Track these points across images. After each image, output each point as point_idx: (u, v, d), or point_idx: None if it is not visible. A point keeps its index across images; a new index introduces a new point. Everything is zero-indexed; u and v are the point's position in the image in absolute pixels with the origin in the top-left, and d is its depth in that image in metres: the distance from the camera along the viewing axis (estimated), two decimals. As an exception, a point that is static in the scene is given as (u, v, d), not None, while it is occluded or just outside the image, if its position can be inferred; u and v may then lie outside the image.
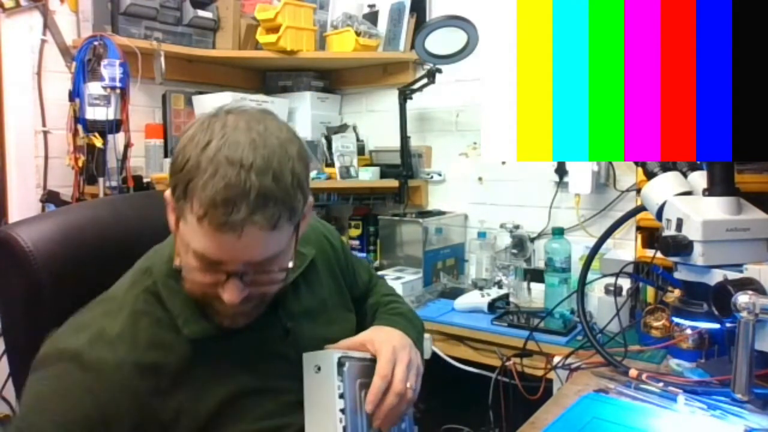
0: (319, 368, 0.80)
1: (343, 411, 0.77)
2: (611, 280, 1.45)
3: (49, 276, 0.85)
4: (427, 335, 1.72)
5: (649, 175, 1.13)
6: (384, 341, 0.85)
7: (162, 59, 1.99)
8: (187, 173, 0.68)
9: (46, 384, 0.70)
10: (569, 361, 1.27)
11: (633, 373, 1.12)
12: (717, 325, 1.02)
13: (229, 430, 0.76)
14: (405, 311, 1.05)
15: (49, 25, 1.96)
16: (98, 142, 1.79)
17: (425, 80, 2.11)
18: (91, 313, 0.77)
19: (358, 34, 2.23)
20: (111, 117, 1.79)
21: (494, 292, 1.81)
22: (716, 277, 0.98)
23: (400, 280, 1.89)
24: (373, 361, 0.83)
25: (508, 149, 1.01)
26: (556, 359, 1.31)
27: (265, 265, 0.73)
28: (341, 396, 0.78)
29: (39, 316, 0.85)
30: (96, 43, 1.80)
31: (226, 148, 0.67)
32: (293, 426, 0.81)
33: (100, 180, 1.84)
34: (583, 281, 1.32)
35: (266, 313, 0.81)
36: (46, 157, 1.97)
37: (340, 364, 0.79)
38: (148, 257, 0.84)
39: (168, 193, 0.74)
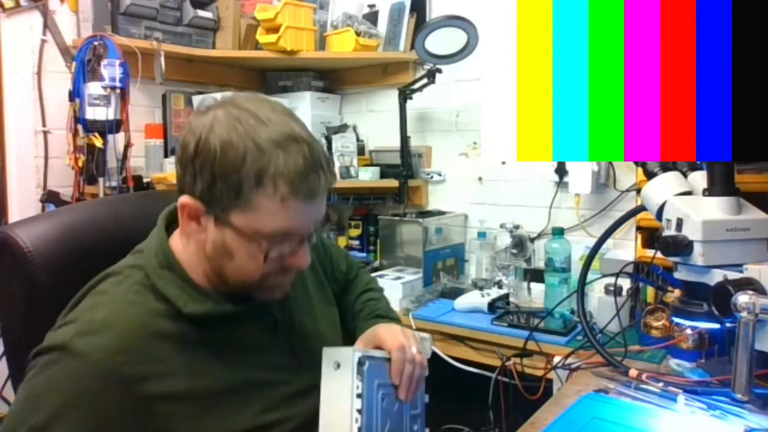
0: (338, 365, 0.79)
1: (359, 411, 0.77)
2: (611, 280, 1.45)
3: (48, 276, 0.85)
4: (426, 335, 1.71)
5: (649, 175, 1.13)
6: (389, 332, 0.90)
7: (162, 59, 1.99)
8: (253, 164, 0.70)
9: (36, 379, 0.70)
10: (569, 361, 1.27)
11: (633, 373, 1.12)
12: (717, 325, 1.02)
13: (227, 422, 0.76)
14: (384, 309, 1.08)
15: (49, 25, 1.96)
16: (98, 142, 1.79)
17: (425, 80, 2.11)
18: (79, 307, 0.76)
19: (358, 34, 2.23)
20: (111, 117, 1.79)
21: (494, 292, 1.81)
22: (716, 277, 0.98)
23: (400, 280, 1.89)
24: (389, 360, 0.85)
25: (508, 149, 1.01)
26: (556, 359, 1.31)
27: (318, 226, 0.80)
28: (359, 396, 0.77)
29: (38, 317, 0.85)
30: (96, 43, 1.81)
31: (276, 129, 0.72)
32: (294, 419, 0.82)
33: (100, 180, 1.84)
34: (583, 281, 1.32)
35: (256, 305, 0.83)
36: (46, 157, 1.97)
37: (360, 363, 0.79)
38: (135, 255, 0.84)
39: (189, 201, 0.75)
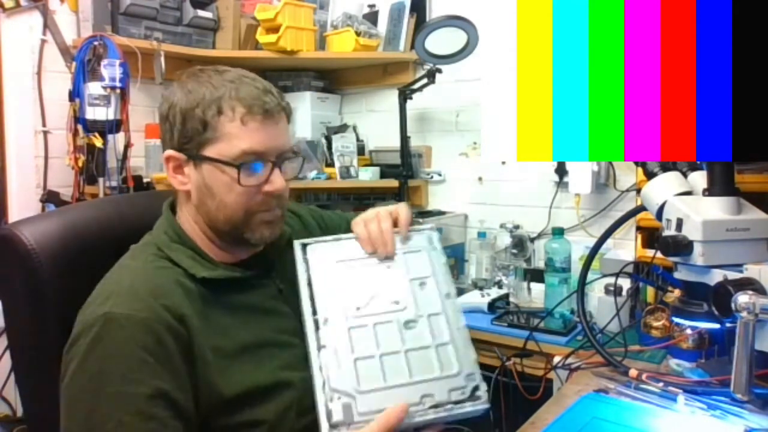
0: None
1: (311, 290, 0.85)
2: (611, 280, 1.45)
3: (51, 274, 0.86)
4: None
5: (649, 175, 1.13)
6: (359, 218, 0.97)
7: (162, 59, 1.99)
8: (213, 99, 0.82)
9: (89, 360, 0.73)
10: (569, 361, 1.27)
11: (633, 373, 1.12)
12: (717, 325, 1.02)
13: (249, 376, 0.81)
14: None
15: (49, 25, 1.97)
16: (98, 142, 1.79)
17: (425, 80, 2.11)
18: (104, 286, 0.81)
19: (358, 34, 2.23)
20: (111, 117, 1.79)
21: (494, 292, 1.81)
22: (716, 277, 0.98)
23: (400, 280, 1.88)
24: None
25: (508, 149, 1.01)
26: (556, 359, 1.31)
27: (290, 159, 0.89)
28: (309, 280, 0.86)
29: (41, 315, 0.86)
30: (96, 43, 1.81)
31: (230, 74, 0.85)
32: (302, 381, 0.85)
33: (100, 180, 1.84)
34: (583, 281, 1.32)
35: (261, 276, 0.91)
36: (46, 157, 1.97)
37: (303, 247, 0.90)
38: (143, 240, 0.90)
39: (171, 152, 0.86)
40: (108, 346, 0.73)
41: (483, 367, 1.60)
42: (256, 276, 0.91)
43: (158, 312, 0.76)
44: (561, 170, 2.00)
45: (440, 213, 2.23)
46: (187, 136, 0.84)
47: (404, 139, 2.19)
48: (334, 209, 1.28)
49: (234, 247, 0.91)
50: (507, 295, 1.83)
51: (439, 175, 2.32)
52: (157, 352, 0.74)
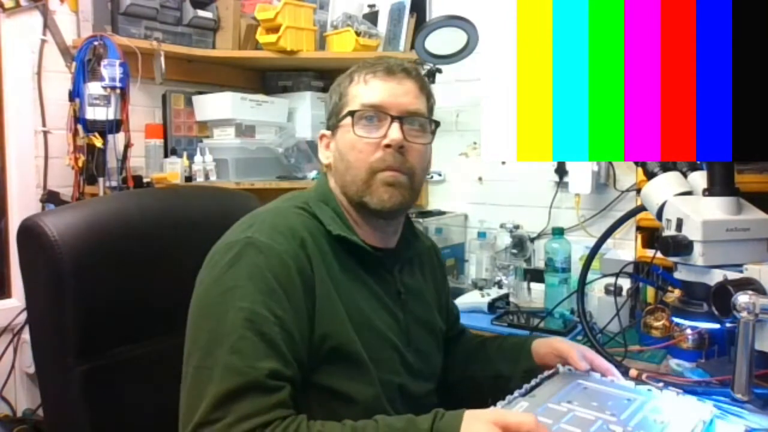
0: None
1: None
2: (611, 280, 1.45)
3: (72, 265, 0.89)
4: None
5: (649, 175, 1.13)
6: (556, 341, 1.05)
7: (162, 59, 1.99)
8: (348, 74, 0.97)
9: (227, 275, 0.79)
10: (569, 361, 1.27)
11: (633, 373, 1.12)
12: (717, 325, 1.02)
13: (356, 345, 0.85)
14: None
15: (49, 25, 1.96)
16: (98, 142, 1.79)
17: (425, 80, 2.11)
18: (247, 218, 0.88)
19: (358, 34, 2.23)
20: (111, 117, 1.79)
21: (494, 292, 1.81)
22: (716, 277, 0.98)
23: (400, 280, 1.88)
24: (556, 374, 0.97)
25: (508, 149, 1.01)
26: (556, 359, 1.31)
27: (415, 122, 0.94)
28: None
29: (61, 306, 0.89)
30: (96, 43, 1.80)
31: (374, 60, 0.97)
32: (399, 388, 0.90)
33: (100, 180, 1.84)
34: (583, 281, 1.32)
35: (386, 267, 0.96)
36: (46, 157, 1.97)
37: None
38: (293, 194, 0.97)
39: (321, 131, 0.99)
40: (245, 265, 0.79)
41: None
42: (382, 264, 0.95)
43: (295, 250, 0.82)
44: (561, 170, 2.00)
45: (440, 213, 2.23)
46: (331, 113, 0.96)
47: (404, 139, 2.19)
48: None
49: (366, 223, 0.95)
50: (507, 295, 1.83)
51: (439, 175, 2.32)
52: (286, 286, 0.79)
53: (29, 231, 0.90)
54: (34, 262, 0.92)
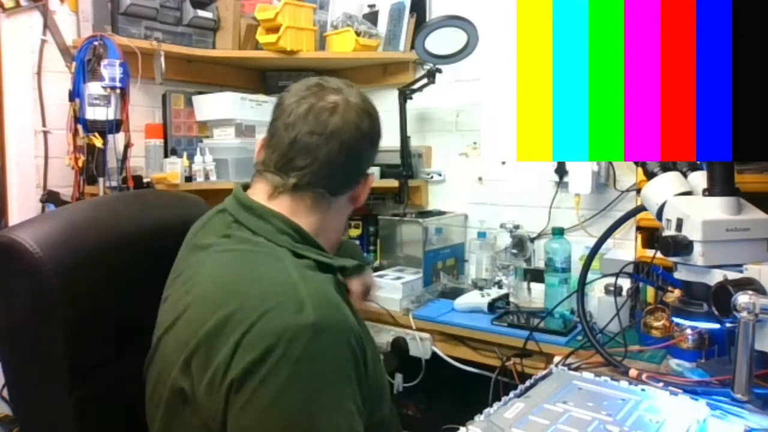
0: None
1: None
2: (611, 280, 1.45)
3: (58, 278, 0.80)
4: (426, 335, 1.72)
5: (649, 175, 1.13)
6: None
7: (162, 59, 1.99)
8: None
9: (307, 367, 0.69)
10: (569, 361, 1.27)
11: (633, 373, 1.12)
12: (717, 325, 1.02)
13: (382, 375, 0.89)
14: None
15: (49, 25, 1.96)
16: (98, 142, 1.79)
17: (425, 80, 2.11)
18: (270, 288, 0.75)
19: (358, 34, 2.23)
20: (111, 117, 1.79)
21: (494, 292, 1.80)
22: (716, 277, 0.98)
23: (400, 280, 1.88)
24: None
25: (508, 149, 1.01)
26: (556, 359, 1.31)
27: None
28: None
29: (49, 325, 0.80)
30: (96, 43, 1.80)
31: None
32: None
33: (100, 180, 1.84)
34: (583, 281, 1.32)
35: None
36: (46, 157, 1.97)
37: None
38: (249, 242, 0.83)
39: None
40: (321, 357, 0.70)
41: (483, 367, 1.62)
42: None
43: (351, 323, 0.75)
44: (561, 170, 2.00)
45: (440, 213, 2.23)
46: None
47: (404, 139, 2.19)
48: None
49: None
50: (507, 295, 1.83)
51: (439, 175, 2.32)
52: (356, 365, 0.74)
53: (6, 248, 0.79)
54: (12, 283, 0.81)
